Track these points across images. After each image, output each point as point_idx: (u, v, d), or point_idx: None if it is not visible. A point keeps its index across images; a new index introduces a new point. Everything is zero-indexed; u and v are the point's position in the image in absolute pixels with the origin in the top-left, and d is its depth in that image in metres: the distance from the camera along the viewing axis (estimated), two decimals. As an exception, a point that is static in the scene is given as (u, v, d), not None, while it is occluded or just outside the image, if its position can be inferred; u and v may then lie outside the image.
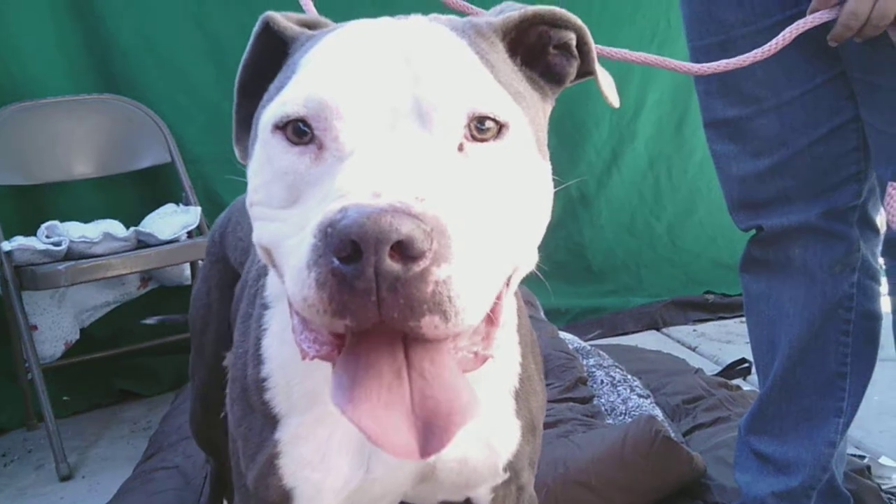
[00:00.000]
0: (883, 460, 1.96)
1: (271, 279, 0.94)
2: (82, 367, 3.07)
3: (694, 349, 3.15)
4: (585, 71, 0.86)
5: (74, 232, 2.81)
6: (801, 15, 1.22)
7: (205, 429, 1.68)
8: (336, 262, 0.58)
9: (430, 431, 0.63)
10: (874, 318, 1.49)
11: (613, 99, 0.89)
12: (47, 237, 2.80)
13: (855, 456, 1.88)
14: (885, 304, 1.51)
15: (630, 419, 2.10)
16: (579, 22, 0.83)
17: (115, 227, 2.91)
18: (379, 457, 0.91)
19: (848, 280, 1.45)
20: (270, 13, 0.85)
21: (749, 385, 2.58)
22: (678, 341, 3.29)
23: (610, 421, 2.16)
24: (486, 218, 0.67)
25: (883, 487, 1.80)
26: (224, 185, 3.33)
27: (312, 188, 0.67)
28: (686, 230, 3.75)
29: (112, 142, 3.15)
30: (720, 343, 3.20)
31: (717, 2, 1.38)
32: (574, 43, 0.84)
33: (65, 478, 2.53)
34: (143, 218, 3.08)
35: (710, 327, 3.44)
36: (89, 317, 3.20)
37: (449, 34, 0.75)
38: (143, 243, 2.88)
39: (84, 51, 3.16)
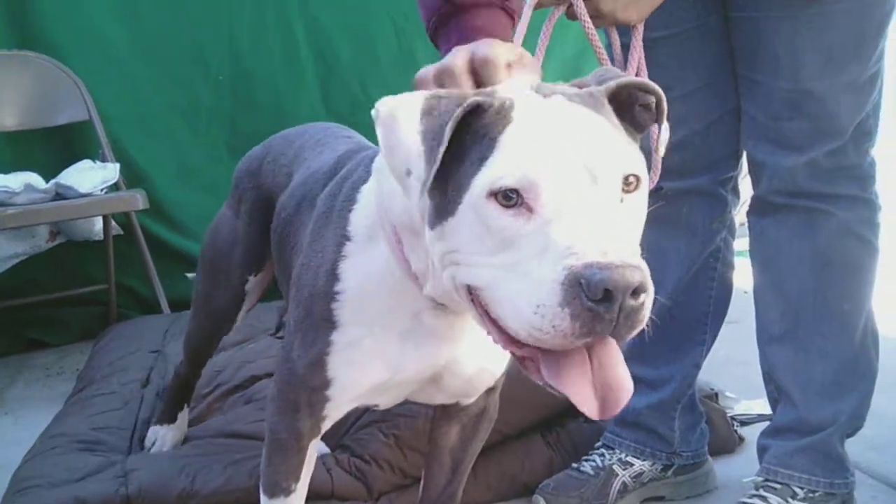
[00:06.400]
0: (727, 393, 2.40)
1: (356, 218, 1.16)
2: (-10, 315, 3.12)
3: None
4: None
5: (-5, 182, 2.86)
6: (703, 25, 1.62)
7: (203, 346, 1.89)
8: (588, 302, 0.81)
9: (606, 402, 0.90)
10: (731, 266, 1.88)
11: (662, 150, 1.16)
12: (-32, 185, 2.85)
13: (704, 388, 2.28)
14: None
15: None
16: (660, 91, 1.06)
17: (35, 179, 2.98)
18: (404, 367, 1.19)
19: (720, 235, 1.81)
20: (474, 99, 0.95)
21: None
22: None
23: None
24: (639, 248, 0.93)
25: (727, 413, 2.24)
26: (134, 143, 3.43)
27: (525, 240, 0.87)
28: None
29: (30, 97, 3.22)
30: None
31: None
32: (654, 104, 1.08)
33: (-12, 414, 2.61)
34: (58, 173, 3.14)
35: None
36: (-3, 267, 3.24)
37: (588, 112, 0.95)
38: (60, 196, 2.95)
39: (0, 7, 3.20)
